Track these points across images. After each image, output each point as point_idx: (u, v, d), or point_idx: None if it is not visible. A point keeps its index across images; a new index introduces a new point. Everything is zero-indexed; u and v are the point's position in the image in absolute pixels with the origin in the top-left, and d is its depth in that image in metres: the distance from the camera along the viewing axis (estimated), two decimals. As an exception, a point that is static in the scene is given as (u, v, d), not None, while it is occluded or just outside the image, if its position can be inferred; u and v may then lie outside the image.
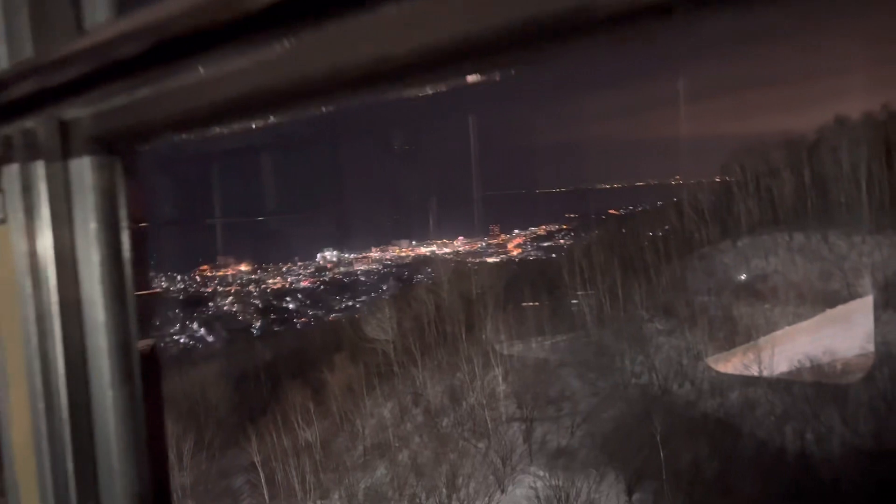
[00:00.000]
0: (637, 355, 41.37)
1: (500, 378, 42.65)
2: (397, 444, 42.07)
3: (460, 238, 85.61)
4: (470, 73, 0.94)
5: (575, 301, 48.07)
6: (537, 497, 35.78)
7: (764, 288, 41.33)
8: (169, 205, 77.89)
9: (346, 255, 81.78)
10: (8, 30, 1.59)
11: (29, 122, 1.53)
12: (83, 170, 1.55)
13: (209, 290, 76.77)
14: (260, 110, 1.19)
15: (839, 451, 33.79)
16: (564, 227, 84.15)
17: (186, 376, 53.18)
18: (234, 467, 45.80)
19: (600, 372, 41.83)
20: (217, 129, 1.32)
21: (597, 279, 46.75)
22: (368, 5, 0.89)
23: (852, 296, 38.12)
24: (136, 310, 1.60)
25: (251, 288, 77.04)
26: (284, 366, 52.53)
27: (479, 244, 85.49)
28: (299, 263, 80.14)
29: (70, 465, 1.62)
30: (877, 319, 35.76)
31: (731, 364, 38.80)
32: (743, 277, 42.77)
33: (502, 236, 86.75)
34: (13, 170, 1.60)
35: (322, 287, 76.90)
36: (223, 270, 78.25)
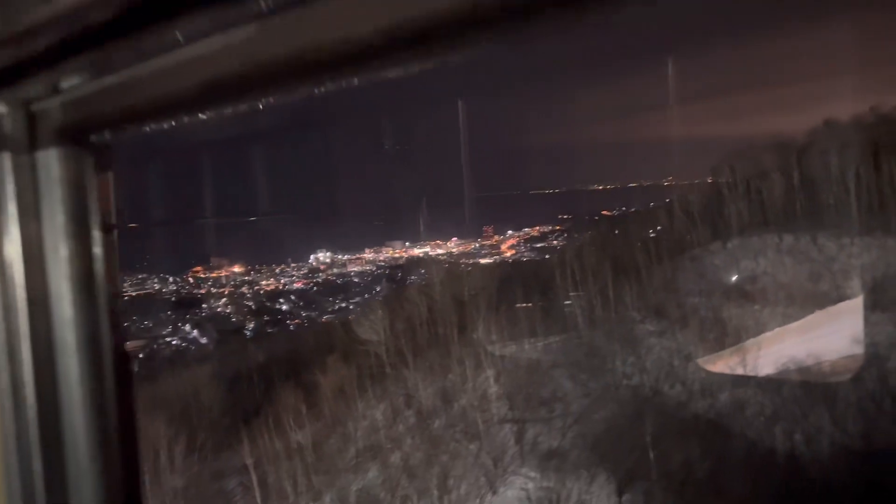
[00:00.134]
0: (628, 356, 41.52)
1: (491, 379, 42.73)
2: (389, 446, 42.08)
3: (454, 239, 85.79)
4: (440, 55, 0.92)
5: (567, 302, 48.18)
6: (528, 498, 35.88)
7: (754, 289, 41.55)
8: (163, 206, 77.77)
9: (340, 257, 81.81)
10: None
11: None
12: (51, 162, 1.51)
13: (202, 291, 76.65)
14: (234, 94, 1.16)
15: (828, 452, 34.01)
16: (558, 227, 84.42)
17: (179, 378, 53.12)
18: (227, 469, 45.74)
19: (592, 373, 41.94)
20: (190, 116, 1.29)
21: (589, 280, 46.89)
22: None
23: (841, 297, 38.36)
24: (107, 306, 1.56)
25: (244, 289, 76.96)
26: (277, 368, 52.46)
27: (473, 245, 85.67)
28: (293, 265, 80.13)
29: (38, 465, 1.57)
30: (865, 320, 36.01)
31: (722, 365, 38.99)
32: (733, 279, 42.99)
33: (496, 237, 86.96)
34: None
35: (315, 288, 76.89)
36: (216, 272, 78.15)
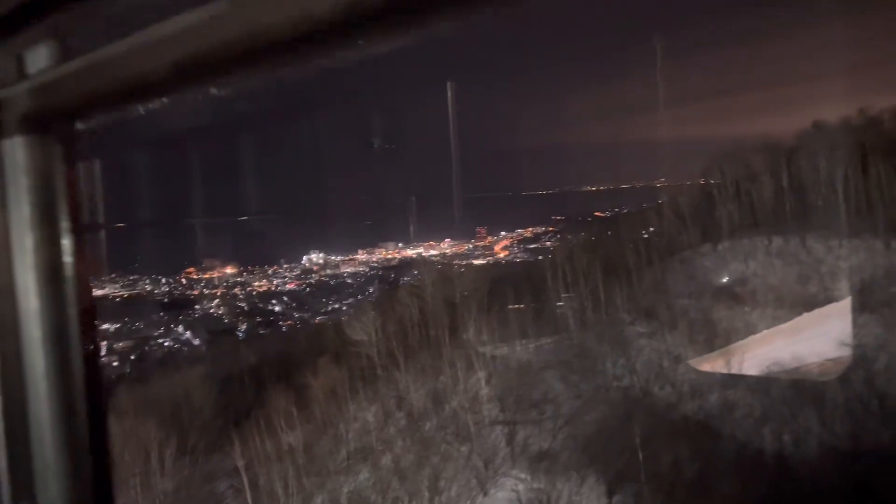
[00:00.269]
0: (619, 358, 41.68)
1: (483, 381, 42.82)
2: (380, 448, 42.12)
3: (447, 240, 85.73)
4: (402, 32, 0.91)
5: (559, 304, 48.33)
6: (519, 500, 35.98)
7: (743, 291, 41.79)
8: (156, 207, 77.52)
9: (333, 258, 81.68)
10: None
11: None
12: (17, 150, 1.46)
13: (195, 292, 76.45)
14: (206, 73, 1.13)
15: (816, 452, 34.23)
16: (551, 229, 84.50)
17: (171, 379, 52.97)
18: (218, 472, 45.66)
19: (583, 374, 42.10)
20: (162, 97, 1.25)
21: (580, 282, 47.05)
22: None
23: (829, 299, 38.63)
24: (76, 299, 1.52)
25: (237, 290, 76.80)
26: (269, 369, 52.39)
27: (466, 246, 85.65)
28: (285, 266, 79.97)
29: (3, 462, 1.52)
30: (853, 322, 36.26)
31: (711, 366, 39.19)
32: (723, 281, 43.21)
33: (489, 238, 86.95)
34: None
35: (308, 289, 76.79)
36: (209, 273, 77.96)
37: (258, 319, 72.03)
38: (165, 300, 74.94)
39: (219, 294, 75.72)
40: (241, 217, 75.13)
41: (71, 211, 1.53)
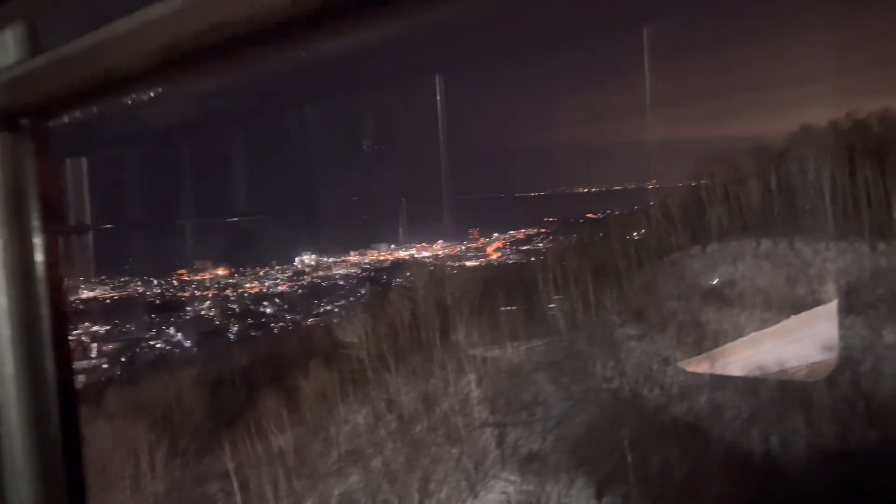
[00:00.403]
0: (609, 360, 41.86)
1: (473, 383, 42.91)
2: (371, 451, 42.14)
3: (440, 242, 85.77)
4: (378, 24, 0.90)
5: (551, 305, 48.49)
6: (509, 502, 36.08)
7: (732, 293, 42.03)
8: (147, 208, 77.27)
9: (325, 259, 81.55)
10: None
11: None
12: None
13: (186, 294, 76.20)
14: (176, 69, 1.09)
15: (804, 453, 34.48)
16: (543, 230, 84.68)
17: (161, 381, 52.84)
18: (208, 474, 45.59)
19: (573, 376, 42.26)
20: (136, 91, 1.21)
21: (571, 284, 47.23)
22: None
23: (816, 301, 38.90)
24: (47, 298, 1.49)
25: (228, 292, 76.60)
26: (260, 371, 52.35)
27: (459, 248, 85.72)
28: (277, 267, 79.80)
29: None
30: (839, 324, 36.55)
31: (700, 368, 39.40)
32: (712, 283, 43.46)
33: (481, 240, 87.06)
34: None
35: (300, 291, 76.65)
36: (200, 274, 77.72)
37: (249, 321, 71.87)
38: (156, 302, 74.69)
39: (210, 296, 75.52)
40: (233, 218, 74.97)
41: (43, 210, 1.49)
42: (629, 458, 35.08)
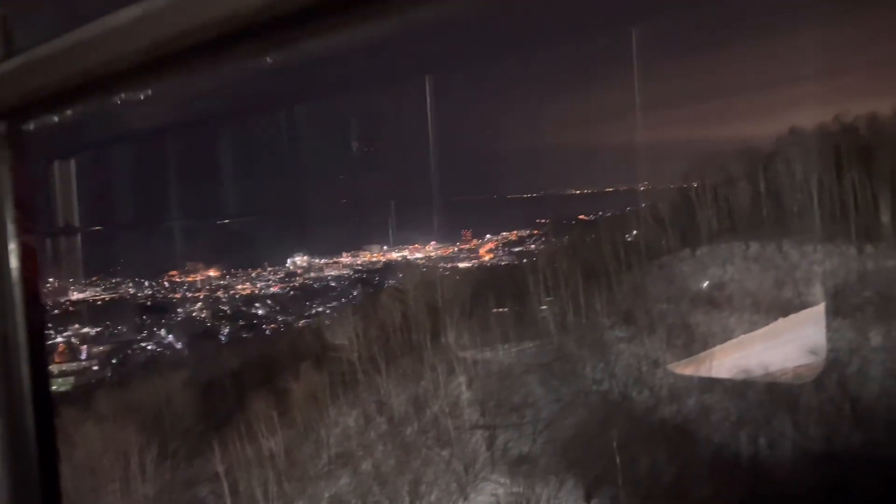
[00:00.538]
0: (598, 362, 42.02)
1: (464, 386, 42.99)
2: (361, 453, 42.18)
3: (432, 243, 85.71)
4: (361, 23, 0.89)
5: (541, 307, 48.61)
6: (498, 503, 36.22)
7: (721, 296, 42.29)
8: (138, 209, 77.02)
9: (317, 261, 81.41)
10: None
11: None
12: None
13: (177, 295, 75.97)
14: (153, 70, 1.07)
15: (791, 455, 34.73)
16: (535, 232, 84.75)
17: (152, 383, 52.70)
18: (198, 477, 45.50)
19: (563, 379, 42.41)
20: (111, 94, 1.19)
21: (561, 286, 47.35)
22: None
23: (804, 304, 39.18)
24: (22, 300, 1.46)
25: (220, 293, 76.40)
26: (251, 373, 52.24)
27: (452, 249, 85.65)
28: (269, 269, 79.61)
29: None
30: (826, 327, 36.82)
31: (689, 371, 39.62)
32: (701, 285, 43.69)
33: (474, 241, 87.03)
34: None
35: (292, 292, 76.53)
36: (192, 276, 77.49)
37: (241, 323, 71.72)
38: (148, 303, 74.44)
39: (201, 297, 75.32)
40: (225, 220, 74.82)
41: (18, 214, 1.47)
42: (618, 460, 35.24)
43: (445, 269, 71.17)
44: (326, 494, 40.48)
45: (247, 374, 52.49)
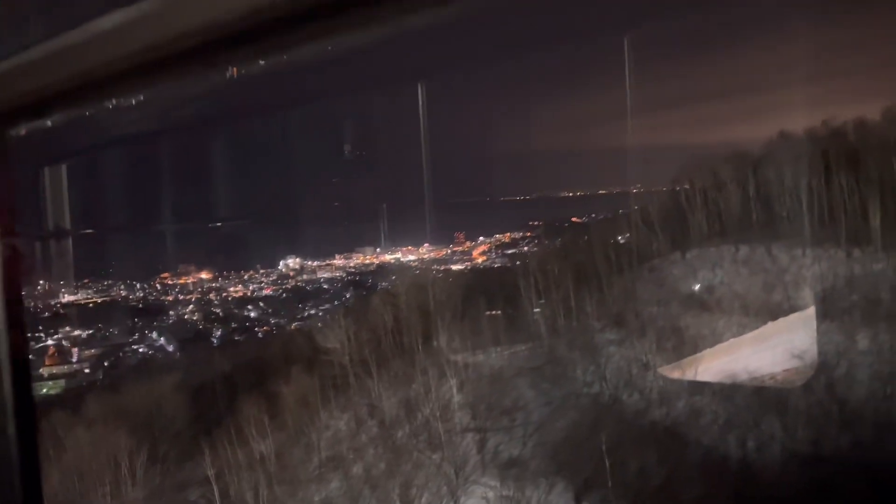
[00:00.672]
0: (589, 365, 42.15)
1: (455, 389, 43.04)
2: (352, 457, 42.17)
3: (426, 245, 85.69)
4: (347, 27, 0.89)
5: (532, 310, 48.73)
6: (488, 507, 36.26)
7: (711, 299, 42.51)
8: (130, 212, 76.78)
9: (310, 263, 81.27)
10: None
11: None
12: None
13: (169, 298, 75.70)
14: (139, 75, 1.06)
15: (780, 457, 34.94)
16: (528, 234, 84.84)
17: (143, 386, 52.51)
18: (189, 481, 45.36)
19: (554, 382, 42.53)
20: (95, 100, 1.18)
21: (552, 289, 47.49)
22: None
23: (793, 308, 39.44)
24: (3, 306, 1.46)
25: (212, 296, 76.16)
26: (242, 376, 52.08)
27: (445, 251, 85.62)
28: (262, 271, 79.42)
29: None
30: (815, 330, 37.06)
31: (679, 374, 39.80)
32: (691, 289, 43.90)
33: (467, 243, 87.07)
34: None
35: (284, 295, 76.34)
36: (184, 278, 77.25)
37: (233, 325, 71.47)
38: (139, 306, 74.16)
39: (193, 300, 75.07)
40: (217, 222, 74.65)
41: (1, 217, 1.46)
42: (608, 463, 35.37)
43: (438, 271, 71.14)
44: (317, 498, 40.44)
45: (238, 377, 52.33)
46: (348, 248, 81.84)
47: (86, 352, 68.13)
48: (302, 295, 75.55)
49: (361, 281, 76.89)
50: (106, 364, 67.34)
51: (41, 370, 62.41)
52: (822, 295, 38.38)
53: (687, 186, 48.96)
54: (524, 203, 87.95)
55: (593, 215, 76.15)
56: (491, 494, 36.82)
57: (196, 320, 72.55)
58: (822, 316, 37.47)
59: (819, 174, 40.90)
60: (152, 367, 62.35)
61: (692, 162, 50.48)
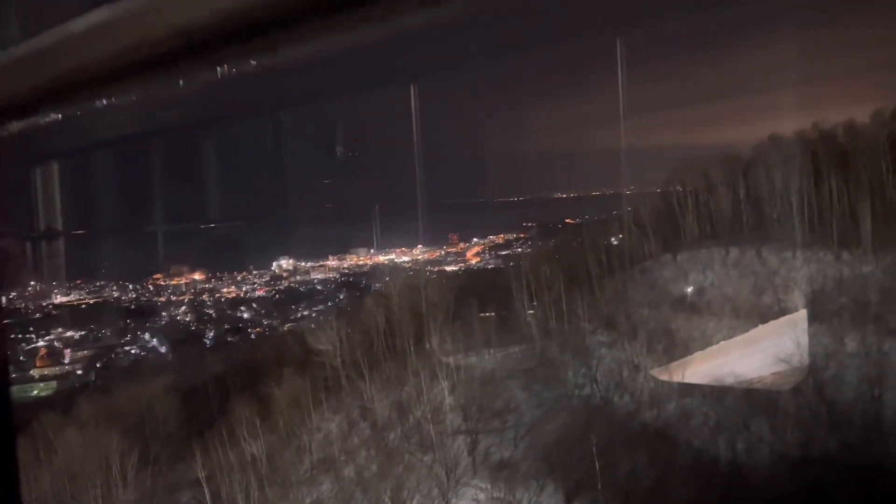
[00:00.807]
0: (580, 367, 42.24)
1: (446, 391, 43.06)
2: (343, 459, 42.15)
3: (419, 246, 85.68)
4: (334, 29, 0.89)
5: (525, 312, 48.80)
6: (479, 509, 36.30)
7: (701, 302, 42.67)
8: (123, 213, 76.59)
9: (303, 264, 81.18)
10: None
11: None
12: None
13: (162, 299, 75.52)
14: (125, 75, 1.04)
15: (768, 460, 35.09)
16: (522, 235, 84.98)
17: (135, 388, 52.36)
18: (180, 483, 45.26)
19: (545, 384, 42.60)
20: (80, 102, 1.16)
21: (544, 291, 47.58)
22: None
23: (783, 310, 39.62)
24: None
25: (205, 297, 76.00)
26: (234, 378, 52.03)
27: (439, 252, 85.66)
28: (255, 272, 79.29)
29: None
30: (804, 333, 37.23)
31: (669, 376, 39.93)
32: (682, 291, 44.04)
33: (461, 245, 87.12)
34: None
35: (277, 296, 76.24)
36: (177, 279, 77.08)
37: (226, 326, 71.32)
38: (132, 307, 73.94)
39: (186, 301, 74.89)
40: (210, 223, 74.53)
41: None
42: (599, 464, 35.47)
43: (432, 272, 71.23)
44: (308, 500, 40.41)
45: (231, 379, 52.26)
46: (342, 250, 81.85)
47: (78, 353, 67.92)
48: (295, 296, 75.45)
49: (355, 282, 76.86)
50: (98, 365, 67.15)
51: (32, 371, 62.20)
52: (811, 297, 38.57)
53: (679, 188, 49.12)
54: (518, 204, 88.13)
55: (586, 216, 76.32)
56: (482, 496, 36.86)
57: (189, 321, 72.40)
58: (812, 318, 37.65)
59: (809, 177, 41.10)
60: (144, 368, 62.19)
61: (684, 164, 50.71)
